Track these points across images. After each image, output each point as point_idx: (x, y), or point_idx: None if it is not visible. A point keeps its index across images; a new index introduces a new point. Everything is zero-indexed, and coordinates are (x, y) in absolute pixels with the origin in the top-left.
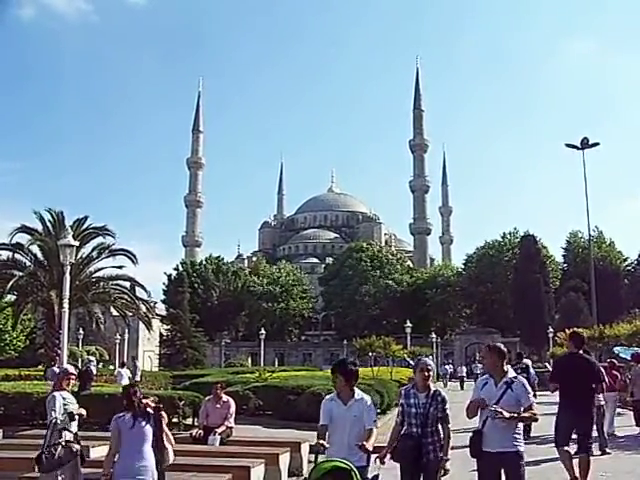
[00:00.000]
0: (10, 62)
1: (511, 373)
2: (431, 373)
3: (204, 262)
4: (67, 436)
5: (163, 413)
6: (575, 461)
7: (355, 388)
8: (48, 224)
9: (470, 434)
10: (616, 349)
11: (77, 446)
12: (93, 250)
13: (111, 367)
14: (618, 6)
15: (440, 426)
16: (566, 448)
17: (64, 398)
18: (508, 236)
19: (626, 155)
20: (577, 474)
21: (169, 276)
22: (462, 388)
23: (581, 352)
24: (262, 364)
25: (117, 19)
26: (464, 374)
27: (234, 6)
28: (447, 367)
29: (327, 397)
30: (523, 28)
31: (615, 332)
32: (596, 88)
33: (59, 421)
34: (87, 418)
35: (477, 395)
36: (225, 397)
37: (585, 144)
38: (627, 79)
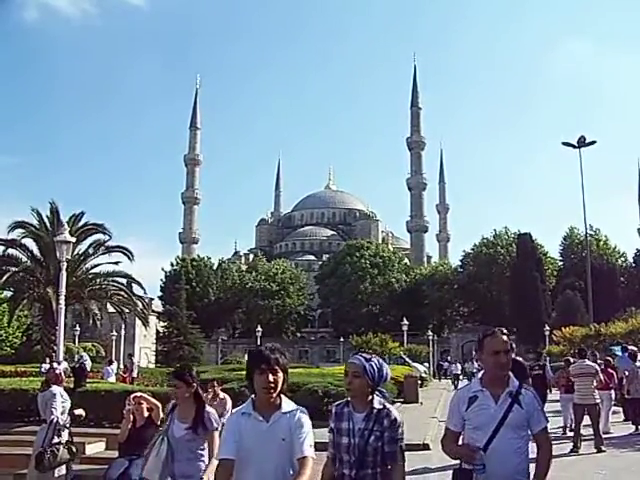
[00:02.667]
0: (9, 58)
1: (514, 380)
2: (362, 380)
3: (199, 260)
4: (65, 435)
5: (158, 403)
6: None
7: (283, 396)
8: (45, 220)
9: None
10: (613, 348)
11: (74, 448)
12: (89, 246)
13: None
14: (614, 8)
15: (389, 466)
16: None
17: (61, 395)
18: (501, 234)
19: (622, 153)
20: None
21: (166, 273)
22: (456, 387)
23: (517, 358)
24: None
25: (117, 18)
26: (459, 372)
27: (232, 3)
28: (454, 365)
29: (236, 410)
30: (520, 27)
31: (611, 330)
32: (593, 87)
33: (61, 420)
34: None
35: (458, 416)
36: (222, 394)
37: (582, 142)
38: (623, 79)
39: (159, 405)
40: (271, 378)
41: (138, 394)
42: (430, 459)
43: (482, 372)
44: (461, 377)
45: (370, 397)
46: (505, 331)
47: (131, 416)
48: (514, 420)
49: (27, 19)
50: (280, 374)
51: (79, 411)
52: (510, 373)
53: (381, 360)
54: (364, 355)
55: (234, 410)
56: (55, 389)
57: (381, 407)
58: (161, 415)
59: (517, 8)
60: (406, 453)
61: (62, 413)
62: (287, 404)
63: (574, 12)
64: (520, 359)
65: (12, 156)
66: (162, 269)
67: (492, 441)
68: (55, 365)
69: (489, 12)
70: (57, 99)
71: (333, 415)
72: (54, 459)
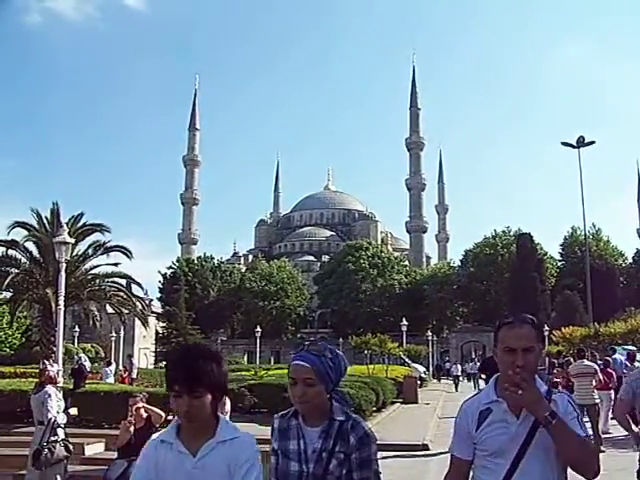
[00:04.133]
0: (9, 61)
1: (540, 384)
2: (319, 387)
3: (199, 260)
4: (61, 434)
5: (161, 412)
6: None
7: (223, 416)
8: (44, 221)
9: None
10: (616, 348)
11: (70, 446)
12: (89, 247)
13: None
14: (613, 11)
15: None
16: None
17: (56, 395)
18: (501, 234)
19: (623, 154)
20: None
21: (164, 274)
22: (457, 389)
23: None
24: (258, 362)
25: (118, 22)
26: (459, 373)
27: (232, 5)
28: (454, 366)
29: (155, 436)
30: (520, 28)
31: (610, 330)
32: (593, 88)
33: (59, 419)
34: (82, 416)
35: (465, 439)
36: None
37: (581, 142)
38: (622, 80)
39: (162, 415)
40: (187, 406)
41: (140, 405)
42: (430, 458)
43: (497, 375)
44: (461, 378)
45: (328, 404)
46: (532, 320)
47: (132, 428)
48: (544, 440)
49: (30, 23)
50: (207, 398)
51: (73, 410)
52: (536, 376)
53: (334, 348)
54: (312, 349)
55: (154, 436)
56: (50, 389)
57: (343, 418)
58: (162, 418)
59: (517, 9)
60: (406, 453)
61: (57, 413)
62: (226, 429)
63: (573, 14)
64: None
65: (12, 158)
66: (159, 272)
67: (514, 473)
68: (49, 367)
69: (488, 13)
70: (57, 101)
71: (275, 431)
72: (51, 456)
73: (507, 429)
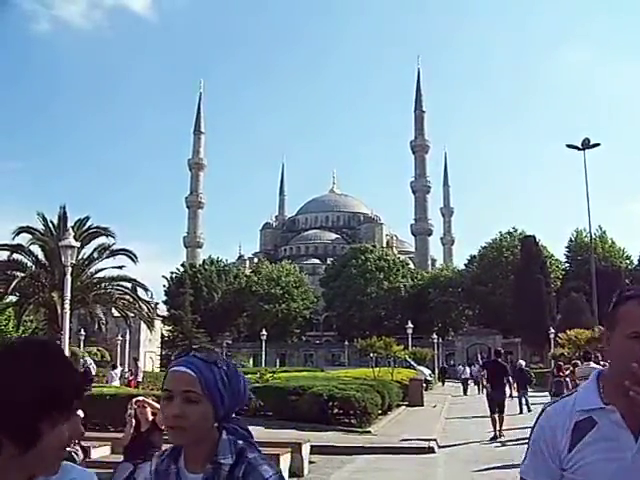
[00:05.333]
0: (13, 65)
1: None
2: (204, 405)
3: (205, 264)
4: None
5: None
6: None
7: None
8: (50, 225)
9: None
10: None
11: (84, 448)
12: (94, 251)
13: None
14: (612, 15)
15: None
16: (495, 415)
17: None
18: (507, 236)
19: (626, 155)
20: (498, 429)
21: (170, 278)
22: (465, 393)
23: (499, 360)
24: (263, 365)
25: (124, 28)
26: (467, 376)
27: (235, 8)
28: (467, 368)
29: None
30: (523, 30)
31: None
32: (595, 91)
33: None
34: (87, 419)
35: (549, 461)
36: None
37: (586, 145)
38: (627, 84)
39: None
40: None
41: (141, 398)
42: (435, 461)
43: (599, 370)
44: (469, 382)
45: (216, 438)
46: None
47: (133, 420)
48: None
49: (38, 31)
50: None
51: (79, 413)
52: None
53: (231, 362)
54: (200, 355)
55: None
56: None
57: (232, 461)
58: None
59: (520, 12)
60: (412, 456)
61: None
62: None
63: (575, 17)
64: (505, 364)
65: (15, 161)
66: (163, 276)
67: None
68: None
69: (492, 17)
70: (62, 103)
71: (152, 475)
72: (78, 458)
73: (619, 453)
